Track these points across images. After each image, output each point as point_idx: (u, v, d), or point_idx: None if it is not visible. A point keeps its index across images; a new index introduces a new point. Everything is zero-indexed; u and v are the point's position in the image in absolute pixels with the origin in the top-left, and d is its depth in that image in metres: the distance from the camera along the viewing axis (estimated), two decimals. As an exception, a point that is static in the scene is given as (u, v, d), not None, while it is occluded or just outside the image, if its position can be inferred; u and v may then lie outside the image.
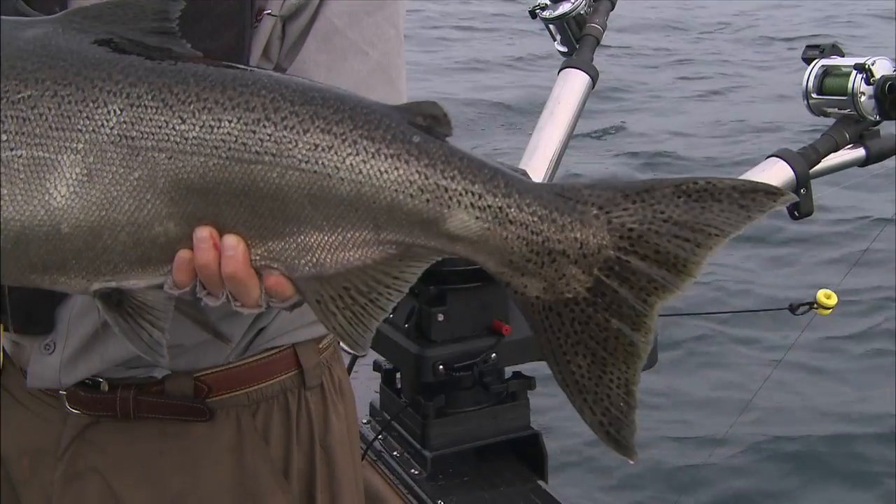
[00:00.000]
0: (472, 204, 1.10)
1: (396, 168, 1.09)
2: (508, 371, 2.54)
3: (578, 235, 1.10)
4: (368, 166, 1.09)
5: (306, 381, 1.56)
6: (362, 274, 1.14)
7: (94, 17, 1.14)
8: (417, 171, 1.10)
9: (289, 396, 1.54)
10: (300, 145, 1.09)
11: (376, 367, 2.71)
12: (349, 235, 1.11)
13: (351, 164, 1.09)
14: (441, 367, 2.37)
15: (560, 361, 1.13)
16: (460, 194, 1.10)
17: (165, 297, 1.17)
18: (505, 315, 2.44)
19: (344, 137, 1.10)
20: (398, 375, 2.67)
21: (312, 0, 1.39)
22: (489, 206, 1.10)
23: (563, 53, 2.93)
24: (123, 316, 1.17)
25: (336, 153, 1.09)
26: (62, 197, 1.09)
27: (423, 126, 1.12)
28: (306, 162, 1.09)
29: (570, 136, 2.78)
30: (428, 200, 1.10)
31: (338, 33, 1.39)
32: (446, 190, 1.09)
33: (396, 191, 1.10)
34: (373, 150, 1.09)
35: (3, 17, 1.20)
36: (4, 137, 1.09)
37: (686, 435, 4.75)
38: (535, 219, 1.10)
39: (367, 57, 1.41)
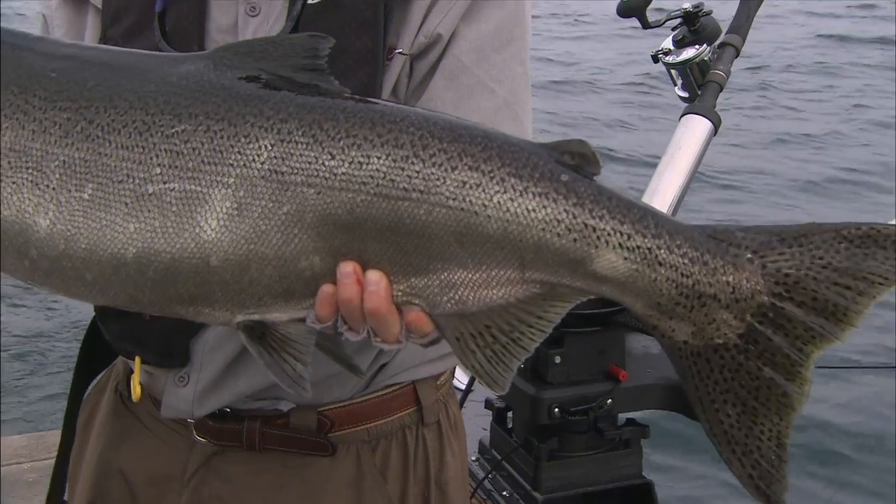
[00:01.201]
0: (620, 244, 1.08)
1: (544, 207, 1.09)
2: (622, 418, 2.52)
3: (731, 279, 1.08)
4: (516, 204, 1.09)
5: (424, 418, 1.56)
6: (505, 313, 1.13)
7: (245, 53, 1.16)
8: (566, 210, 1.09)
9: (407, 433, 1.55)
10: (448, 182, 1.09)
11: (488, 404, 2.71)
12: (494, 273, 1.11)
13: (499, 202, 1.09)
14: (556, 409, 2.37)
15: (708, 409, 1.11)
16: (609, 234, 1.09)
17: (307, 330, 1.18)
18: (622, 361, 2.43)
19: (492, 175, 1.09)
20: (510, 415, 2.67)
21: (441, 38, 1.39)
22: (638, 247, 1.09)
23: (683, 99, 2.91)
24: (267, 349, 1.18)
25: (484, 191, 1.09)
26: (212, 230, 1.11)
27: (571, 165, 1.11)
28: (454, 199, 1.09)
29: (691, 182, 2.76)
30: (575, 240, 1.09)
31: (465, 71, 1.40)
32: (595, 230, 1.09)
33: (544, 230, 1.09)
34: (521, 188, 1.09)
35: (157, 53, 1.23)
36: (158, 171, 1.11)
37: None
38: (686, 261, 1.09)
39: (493, 94, 1.41)
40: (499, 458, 2.62)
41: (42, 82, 1.16)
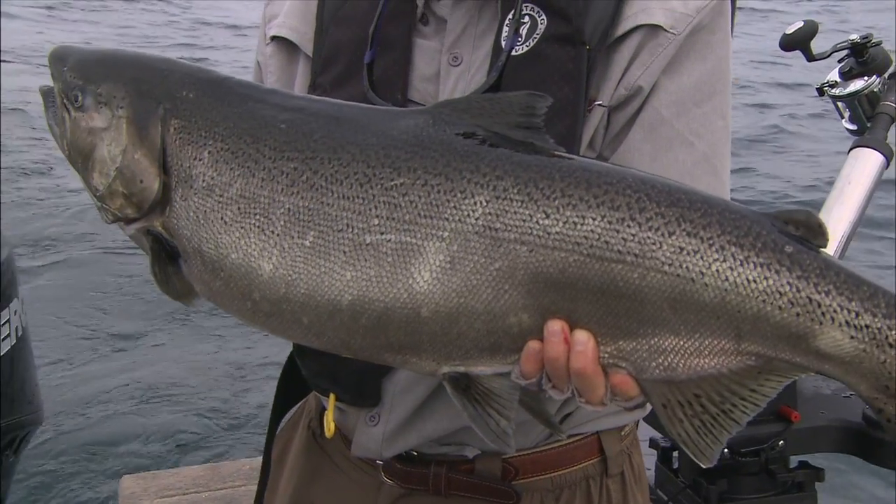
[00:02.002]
0: (847, 322, 1.05)
1: (766, 278, 1.06)
2: (795, 460, 2.46)
3: None
4: (736, 273, 1.06)
5: (608, 469, 1.56)
6: (716, 383, 1.11)
7: (463, 110, 1.18)
8: (789, 283, 1.06)
9: (591, 483, 1.55)
10: (664, 247, 1.08)
11: (652, 443, 2.67)
12: (707, 342, 1.09)
13: (717, 270, 1.07)
14: (726, 450, 2.32)
15: None
16: (835, 311, 1.05)
17: (511, 385, 1.18)
18: (793, 401, 2.37)
19: (711, 242, 1.07)
20: (675, 454, 2.63)
21: (641, 91, 1.39)
22: (867, 326, 1.05)
23: (851, 132, 2.83)
24: (471, 401, 1.18)
25: (702, 258, 1.07)
26: (425, 282, 1.12)
27: (796, 235, 1.08)
28: (670, 265, 1.08)
29: (861, 220, 2.68)
30: (798, 314, 1.06)
31: (664, 123, 1.39)
32: (820, 305, 1.05)
33: (764, 301, 1.06)
34: (741, 257, 1.07)
35: (378, 107, 1.28)
36: (376, 221, 1.13)
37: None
38: None
39: (692, 148, 1.40)
40: (665, 498, 2.59)
41: (272, 133, 1.20)
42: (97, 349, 5.64)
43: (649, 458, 2.73)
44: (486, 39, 1.43)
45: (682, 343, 1.10)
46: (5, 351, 2.35)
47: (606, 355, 1.12)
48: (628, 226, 1.09)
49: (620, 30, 1.38)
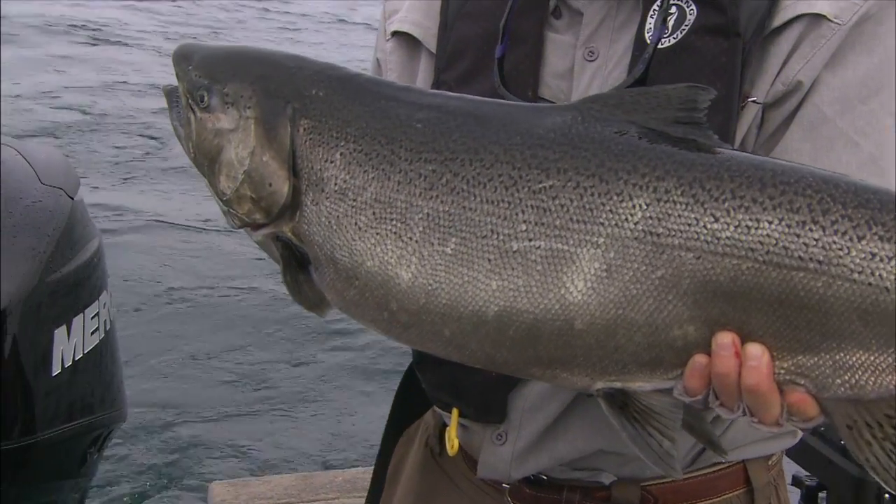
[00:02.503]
0: None
1: None
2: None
3: None
4: None
5: (755, 501, 1.43)
6: None
7: (615, 105, 1.10)
8: None
9: None
10: (853, 253, 1.00)
11: (796, 481, 2.41)
12: None
13: None
14: (887, 495, 2.04)
15: None
16: None
17: (672, 403, 1.10)
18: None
19: None
20: (822, 494, 2.37)
21: (801, 86, 1.28)
22: None
23: None
24: (630, 420, 1.11)
25: None
26: (579, 292, 1.06)
27: None
28: (860, 272, 1.00)
29: None
30: None
31: (826, 122, 1.29)
32: None
33: None
34: None
35: (520, 104, 1.19)
36: (523, 227, 1.07)
37: None
38: None
39: (857, 148, 1.29)
40: (808, 542, 2.32)
41: (408, 133, 1.14)
42: (185, 347, 5.47)
43: (791, 496, 2.46)
44: (625, 32, 1.36)
45: (872, 358, 1.02)
46: (93, 346, 2.24)
47: (783, 371, 1.05)
48: (810, 229, 1.01)
49: (778, 20, 1.29)
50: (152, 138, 8.77)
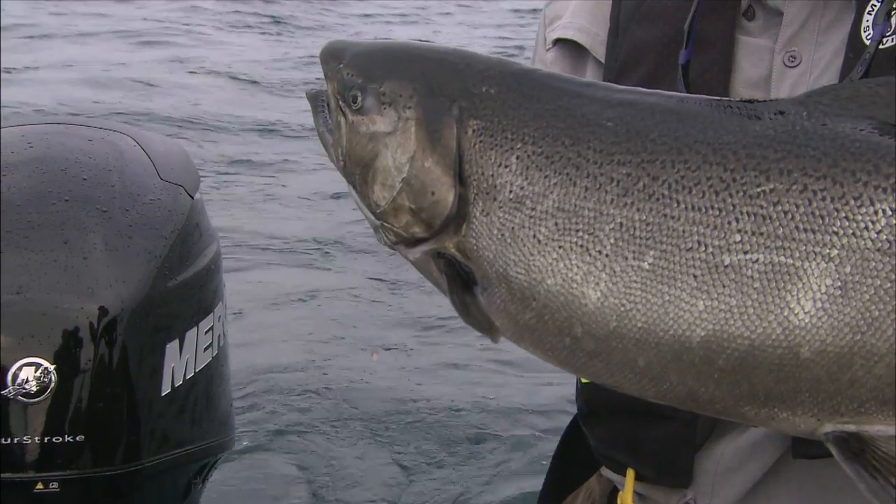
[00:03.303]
0: None
1: None
2: None
3: None
4: None
5: None
6: None
7: (848, 98, 1.00)
8: None
9: None
10: None
11: None
12: None
13: None
14: None
15: None
16: None
17: None
18: None
19: None
20: None
21: None
22: None
23: None
24: (868, 470, 0.97)
25: None
26: (806, 314, 0.95)
27: None
28: None
29: None
30: None
31: None
32: None
33: None
34: None
35: (729, 99, 1.08)
36: (738, 238, 0.96)
37: None
38: None
39: None
40: None
41: (597, 133, 1.05)
42: (305, 364, 4.95)
43: None
44: (833, 33, 1.26)
45: None
46: (206, 363, 2.02)
47: None
48: None
49: None
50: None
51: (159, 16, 13.14)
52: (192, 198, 2.05)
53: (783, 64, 1.29)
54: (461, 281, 1.10)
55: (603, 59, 1.40)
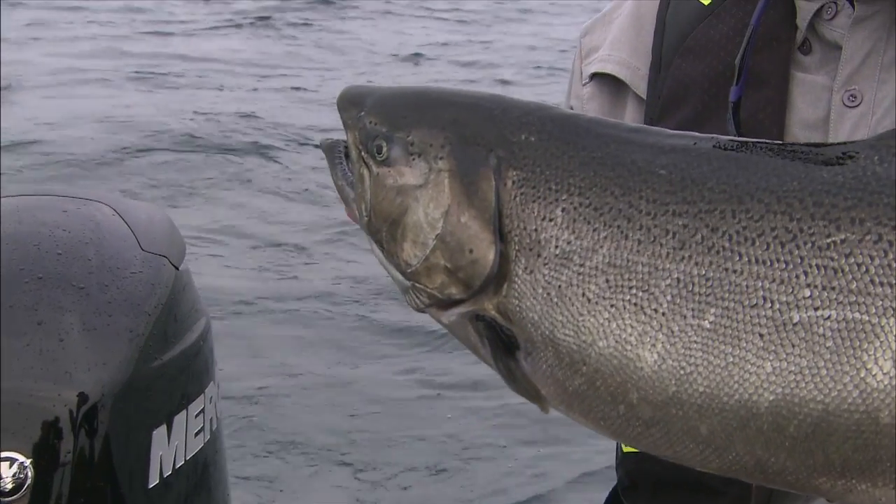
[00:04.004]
0: None
1: None
2: None
3: None
4: None
5: None
6: None
7: None
8: None
9: None
10: None
11: None
12: None
13: None
14: None
15: None
16: None
17: None
18: None
19: None
20: None
21: None
22: None
23: None
24: None
25: None
26: (885, 375, 0.89)
27: None
28: None
29: None
30: None
31: None
32: None
33: None
34: None
35: (794, 143, 1.04)
36: (807, 293, 0.91)
37: None
38: None
39: None
40: None
41: (649, 182, 1.00)
42: (310, 450, 4.55)
43: None
44: None
45: None
46: (196, 450, 1.86)
47: None
48: None
49: None
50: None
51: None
52: (177, 269, 1.91)
53: (842, 103, 1.23)
54: (503, 345, 1.04)
55: (644, 96, 1.35)
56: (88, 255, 1.81)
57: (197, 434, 1.85)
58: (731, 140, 1.04)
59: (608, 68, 1.39)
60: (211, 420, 1.91)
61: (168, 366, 1.81)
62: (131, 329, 1.76)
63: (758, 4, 1.25)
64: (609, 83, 1.39)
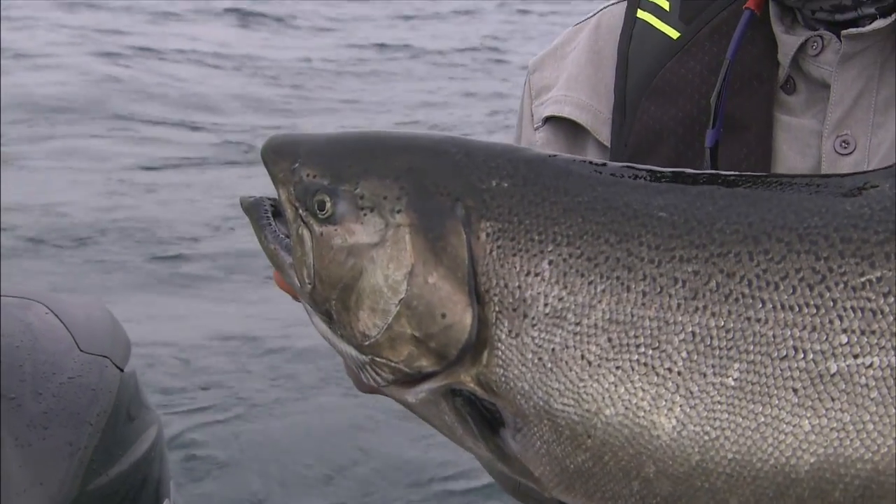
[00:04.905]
0: None
1: None
2: None
3: None
4: None
5: None
6: None
7: None
8: None
9: None
10: None
11: None
12: None
13: None
14: None
15: None
16: None
17: None
18: None
19: None
20: None
21: None
22: None
23: None
24: None
25: None
26: None
27: None
28: None
29: None
30: None
31: None
32: None
33: None
34: None
35: (804, 174, 0.98)
36: (844, 339, 0.84)
37: None
38: None
39: None
40: None
41: (648, 226, 0.92)
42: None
43: None
44: (893, 112, 1.10)
45: None
46: None
47: None
48: None
49: None
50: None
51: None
52: (122, 370, 1.70)
53: (834, 151, 1.12)
54: (485, 422, 0.95)
55: (607, 142, 1.24)
56: (20, 360, 1.61)
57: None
58: (734, 175, 0.95)
59: (565, 111, 1.27)
60: (168, 561, 1.68)
61: (115, 482, 1.61)
62: (71, 442, 1.56)
63: (733, 38, 1.14)
64: (566, 128, 1.28)
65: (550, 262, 0.92)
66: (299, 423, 4.98)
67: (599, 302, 0.90)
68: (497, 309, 0.93)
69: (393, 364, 0.97)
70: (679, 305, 0.88)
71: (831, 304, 0.86)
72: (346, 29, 15.79)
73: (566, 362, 0.90)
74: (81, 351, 1.66)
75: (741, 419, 0.86)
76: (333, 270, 0.99)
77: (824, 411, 0.85)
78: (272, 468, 4.57)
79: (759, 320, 0.87)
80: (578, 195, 0.94)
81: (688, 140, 1.18)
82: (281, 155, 1.04)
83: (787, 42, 1.16)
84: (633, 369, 0.89)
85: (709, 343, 0.87)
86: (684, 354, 0.88)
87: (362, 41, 14.74)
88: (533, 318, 0.92)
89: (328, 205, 0.99)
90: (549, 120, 1.29)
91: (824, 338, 0.85)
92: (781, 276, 0.87)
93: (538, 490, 0.98)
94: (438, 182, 0.97)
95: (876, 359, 0.83)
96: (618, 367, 0.89)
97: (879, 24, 1.11)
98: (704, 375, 0.87)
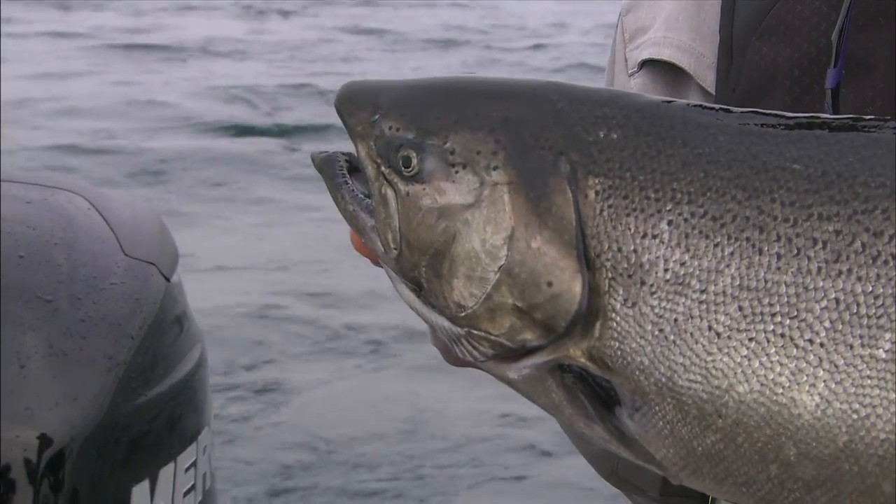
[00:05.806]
0: None
1: None
2: None
3: None
4: None
5: None
6: None
7: None
8: None
9: None
10: None
11: None
12: None
13: None
14: None
15: None
16: None
17: None
18: None
19: None
20: None
21: None
22: None
23: None
24: None
25: None
26: None
27: None
28: None
29: None
30: None
31: None
32: None
33: None
34: None
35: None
36: None
37: None
38: None
39: None
40: None
41: (781, 180, 0.85)
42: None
43: None
44: None
45: None
46: None
47: None
48: None
49: None
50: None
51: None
52: (168, 280, 1.61)
53: None
54: (601, 401, 0.90)
55: (712, 89, 1.19)
56: (58, 259, 1.53)
57: (187, 494, 1.57)
58: (876, 120, 0.88)
59: (664, 54, 1.22)
60: (204, 476, 1.62)
61: (153, 404, 1.54)
62: (109, 356, 1.49)
63: None
64: (665, 72, 1.23)
65: (670, 223, 0.88)
66: (333, 394, 4.84)
67: (728, 266, 0.86)
68: (610, 275, 0.89)
69: (493, 337, 0.93)
70: (820, 269, 0.84)
71: None
72: None
73: (691, 334, 0.86)
74: (126, 255, 1.58)
75: (894, 395, 0.82)
76: (423, 234, 0.94)
77: None
78: (304, 439, 4.42)
79: None
80: (699, 146, 0.89)
81: (805, 83, 1.12)
82: (359, 105, 0.98)
83: None
84: (768, 341, 0.85)
85: (855, 311, 0.83)
86: (827, 324, 0.83)
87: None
88: (652, 286, 0.88)
89: (414, 161, 0.95)
90: (645, 64, 1.25)
91: None
92: None
93: (661, 472, 0.93)
94: (539, 134, 0.92)
95: None
96: (751, 339, 0.85)
97: None
98: (851, 347, 0.83)
